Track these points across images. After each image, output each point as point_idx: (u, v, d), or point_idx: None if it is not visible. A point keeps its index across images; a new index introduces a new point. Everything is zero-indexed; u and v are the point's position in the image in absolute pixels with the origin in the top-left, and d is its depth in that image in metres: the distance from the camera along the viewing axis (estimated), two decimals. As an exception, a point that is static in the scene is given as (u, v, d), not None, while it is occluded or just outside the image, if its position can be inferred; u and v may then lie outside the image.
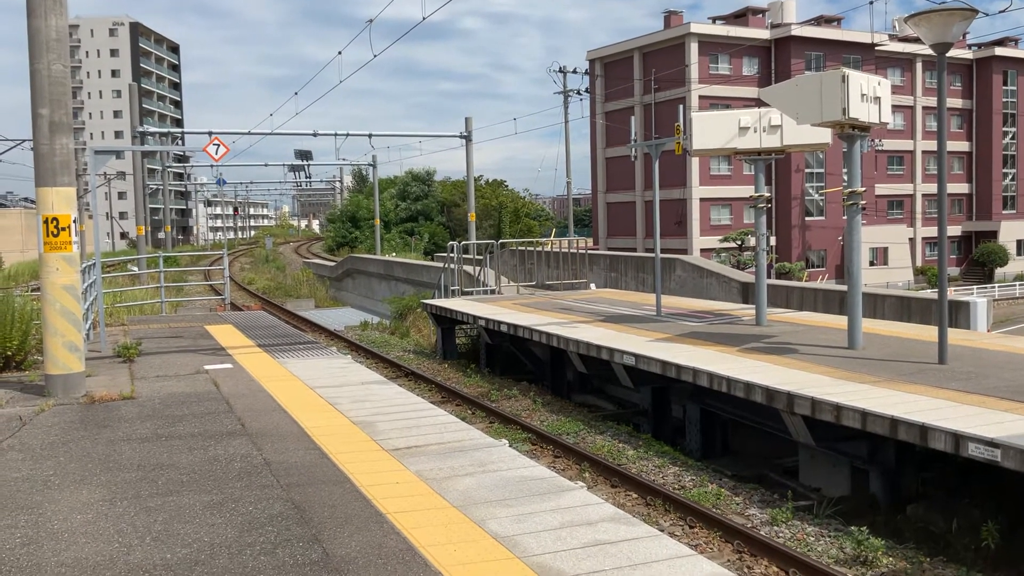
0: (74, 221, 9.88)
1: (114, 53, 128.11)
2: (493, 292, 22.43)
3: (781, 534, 8.29)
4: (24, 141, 36.05)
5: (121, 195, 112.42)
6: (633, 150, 17.69)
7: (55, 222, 9.71)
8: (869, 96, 11.28)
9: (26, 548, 5.19)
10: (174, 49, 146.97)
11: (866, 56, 60.36)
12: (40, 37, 9.71)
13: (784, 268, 53.13)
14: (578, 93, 45.76)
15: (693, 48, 56.52)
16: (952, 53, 55.20)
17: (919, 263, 65.78)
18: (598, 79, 62.63)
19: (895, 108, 58.95)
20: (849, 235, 11.96)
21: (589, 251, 26.26)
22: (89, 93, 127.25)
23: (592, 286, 23.46)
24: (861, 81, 11.10)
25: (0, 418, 8.78)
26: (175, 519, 5.63)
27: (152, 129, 36.45)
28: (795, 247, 58.56)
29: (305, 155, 55.48)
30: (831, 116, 10.96)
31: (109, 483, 6.46)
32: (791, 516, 8.65)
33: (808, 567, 7.29)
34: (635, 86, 60.27)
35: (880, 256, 62.33)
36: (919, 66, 65.81)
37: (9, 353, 11.82)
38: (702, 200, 57.23)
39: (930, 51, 11.33)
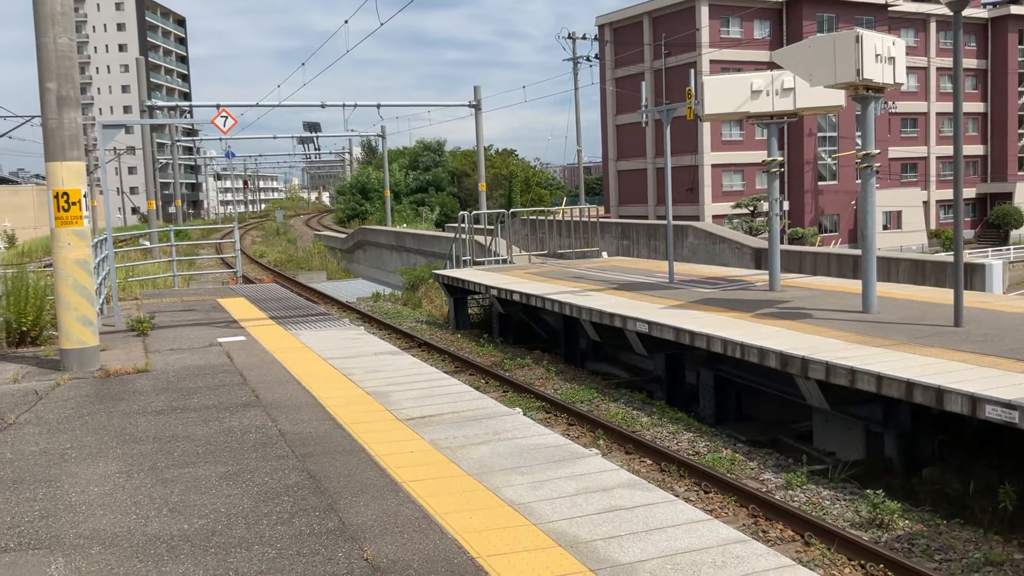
0: (84, 195, 9.88)
1: (121, 27, 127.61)
2: (505, 262, 22.39)
3: (796, 498, 8.28)
4: (33, 118, 36.00)
5: (131, 170, 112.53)
6: (644, 116, 17.51)
7: (65, 197, 9.71)
8: (883, 56, 11.11)
9: (44, 520, 5.24)
10: (180, 22, 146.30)
11: (879, 17, 59.49)
12: (46, 10, 9.64)
13: (797, 233, 52.81)
14: (587, 60, 45.35)
15: (704, 12, 55.81)
16: (966, 12, 54.23)
17: (933, 226, 65.27)
18: (607, 45, 62.01)
19: (908, 69, 58.12)
20: (863, 198, 11.84)
21: (600, 219, 26.16)
22: (97, 68, 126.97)
23: (604, 254, 23.38)
24: (875, 41, 10.93)
25: (16, 393, 8.84)
26: (191, 490, 5.66)
27: (160, 103, 36.34)
28: (808, 212, 58.16)
29: (314, 127, 55.32)
30: (845, 77, 10.81)
31: (125, 455, 6.50)
32: (806, 480, 8.64)
33: (824, 530, 7.29)
34: (645, 51, 59.66)
35: (894, 220, 61.87)
36: (933, 26, 64.85)
37: (24, 328, 11.88)
38: (714, 166, 56.82)
39: (945, 11, 11.14)
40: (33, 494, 5.73)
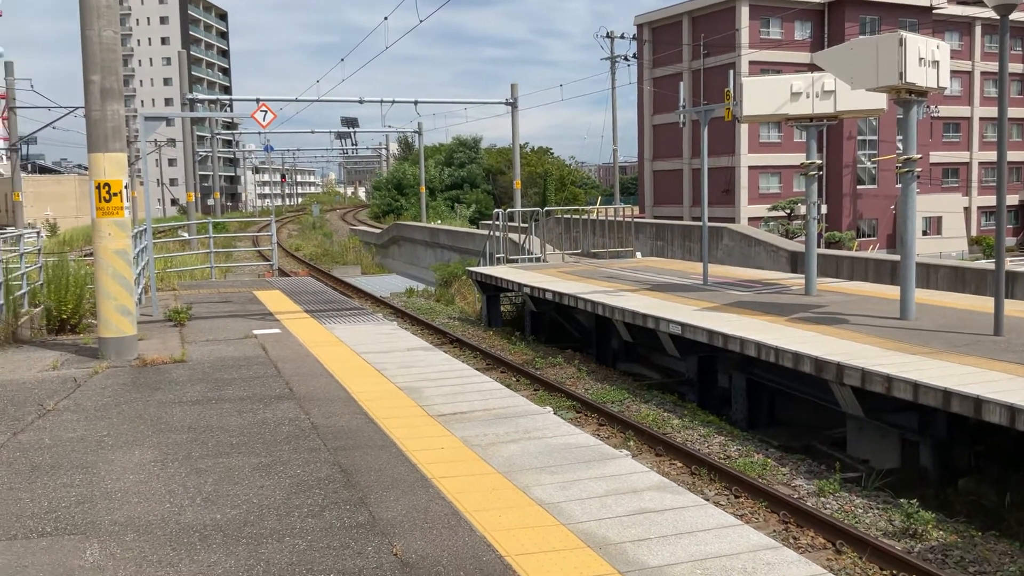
0: (125, 186, 10.03)
1: (164, 21, 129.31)
2: (538, 260, 22.38)
3: (828, 505, 8.20)
4: (77, 109, 36.64)
5: (171, 162, 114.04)
6: (681, 116, 17.41)
7: (107, 187, 9.86)
8: (927, 60, 10.95)
9: (81, 506, 5.33)
10: (222, 16, 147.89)
11: (923, 20, 58.59)
12: (91, 3, 9.79)
13: (834, 237, 52.19)
14: (625, 59, 45.18)
15: (744, 12, 55.33)
16: (1013, 16, 53.24)
17: (974, 233, 64.18)
18: (646, 45, 61.71)
19: (952, 73, 57.32)
20: (903, 203, 11.67)
21: (635, 219, 26.04)
22: (140, 61, 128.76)
23: (638, 254, 23.29)
24: (919, 44, 10.77)
25: (55, 379, 9.00)
26: (225, 480, 5.73)
27: (201, 96, 36.77)
28: (846, 216, 57.47)
29: (351, 122, 55.63)
30: (887, 80, 10.66)
31: (161, 444, 6.60)
32: (839, 487, 8.54)
33: (856, 539, 7.21)
34: (684, 51, 59.29)
35: (933, 225, 60.94)
36: (978, 30, 63.76)
37: (64, 316, 12.10)
38: (751, 168, 56.34)
39: (991, 14, 10.94)
40: (70, 480, 5.83)
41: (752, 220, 51.62)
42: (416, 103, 35.56)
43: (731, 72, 17.67)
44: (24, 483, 5.77)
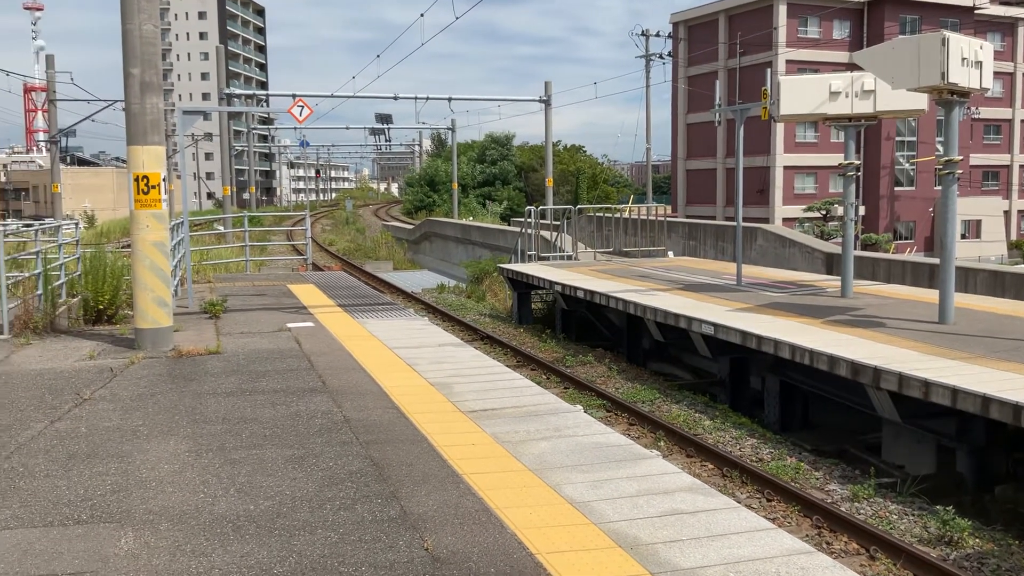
0: (163, 179, 10.14)
1: (202, 16, 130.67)
2: (570, 258, 22.32)
3: (862, 511, 8.09)
4: (115, 102, 37.11)
5: (208, 156, 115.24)
6: (717, 115, 17.28)
7: (145, 180, 9.98)
8: (970, 60, 10.75)
9: (116, 495, 5.39)
10: (260, 12, 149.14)
11: (965, 20, 57.63)
12: (132, -2, 9.90)
13: (871, 239, 51.52)
14: (660, 57, 44.93)
15: (782, 10, 54.77)
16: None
17: (1014, 236, 63.09)
18: (681, 43, 61.31)
19: (994, 75, 56.34)
20: (944, 205, 11.49)
21: (667, 219, 25.89)
22: (178, 55, 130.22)
23: (670, 254, 23.15)
24: (962, 44, 10.58)
25: (92, 369, 9.12)
26: (258, 472, 5.77)
27: (238, 91, 37.11)
28: (883, 218, 56.72)
29: (385, 119, 55.84)
30: (929, 81, 10.49)
31: (195, 435, 6.66)
32: (873, 493, 8.43)
33: (890, 545, 7.11)
34: (720, 50, 58.83)
35: (972, 229, 59.97)
36: (1021, 31, 62.61)
37: (101, 307, 12.25)
38: (786, 168, 55.78)
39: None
40: (106, 468, 5.90)
41: (786, 221, 51.14)
42: (450, 100, 35.61)
43: (768, 71, 17.51)
44: (61, 471, 5.85)
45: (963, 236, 57.50)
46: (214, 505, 5.18)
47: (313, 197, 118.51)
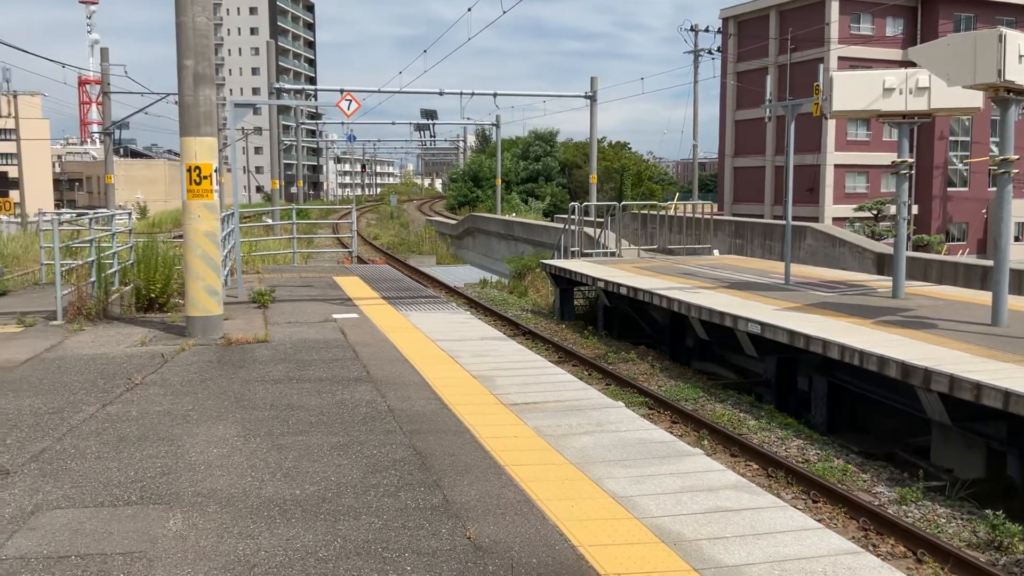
0: (215, 170, 10.29)
1: (253, 11, 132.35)
2: (613, 255, 22.23)
3: (910, 514, 7.95)
4: (168, 95, 37.75)
5: (257, 150, 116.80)
6: (767, 111, 17.08)
7: (198, 170, 10.14)
8: (1029, 57, 10.48)
9: (165, 477, 5.49)
10: (309, 8, 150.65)
11: (1020, 18, 56.21)
12: (187, -9, 10.06)
13: (922, 240, 50.54)
14: (709, 53, 44.52)
15: (834, 7, 53.91)
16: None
17: (1071, 240, 61.42)
18: (731, 38, 60.68)
19: (1054, 73, 54.65)
20: (998, 207, 11.22)
21: (713, 216, 25.65)
22: (229, 51, 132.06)
23: (715, 252, 22.94)
24: (1019, 41, 10.32)
25: (144, 355, 9.30)
26: (304, 457, 5.84)
27: (287, 86, 37.51)
28: (935, 219, 55.61)
29: (430, 114, 56.14)
30: (985, 78, 10.25)
31: (243, 420, 6.76)
32: (921, 496, 8.28)
33: (938, 549, 6.98)
34: (770, 46, 58.10)
35: (1027, 231, 58.52)
36: (1084, 27, 60.94)
37: (152, 295, 12.50)
38: (836, 166, 54.93)
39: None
40: (156, 451, 6.01)
41: (836, 220, 50.35)
42: (495, 95, 35.60)
43: (820, 67, 17.25)
44: (112, 453, 5.97)
45: (1016, 238, 56.13)
46: (261, 489, 5.26)
47: (358, 192, 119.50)
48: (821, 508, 8.08)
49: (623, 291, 16.11)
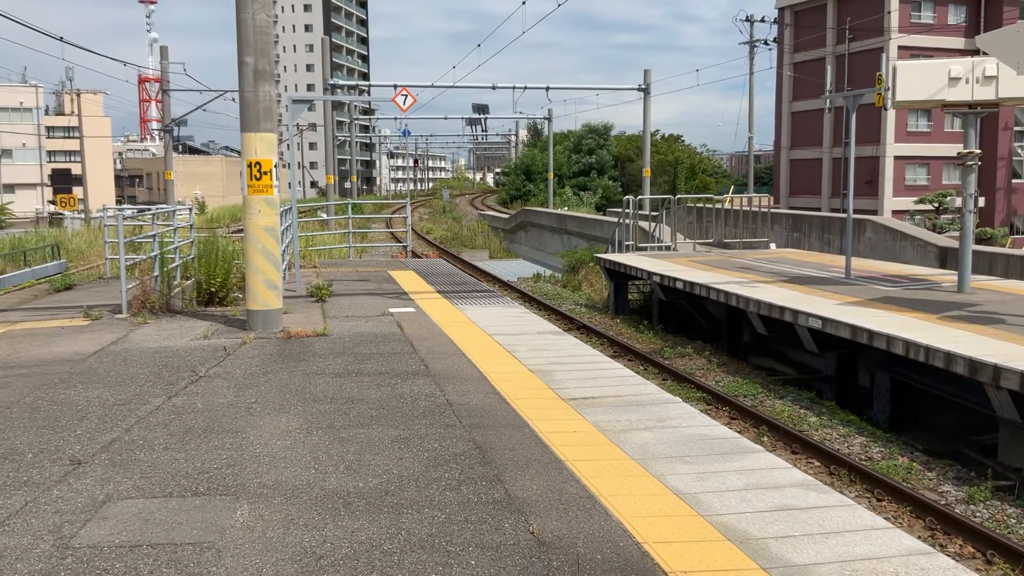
0: (275, 166, 10.42)
1: (307, 8, 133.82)
2: (668, 249, 22.04)
3: (978, 513, 7.76)
4: (227, 92, 38.37)
5: (312, 146, 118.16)
6: (827, 102, 16.73)
7: (258, 166, 10.27)
8: (1106, 43, 10.11)
9: (231, 468, 5.57)
10: (363, 4, 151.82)
11: (1094, 2, 54.33)
12: (247, -11, 10.18)
13: (986, 233, 49.15)
14: (765, 43, 43.86)
15: (894, -5, 52.72)
16: None
17: None
18: (787, 28, 59.69)
19: None
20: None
21: (770, 210, 25.26)
22: (284, 47, 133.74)
23: (772, 246, 22.60)
24: (1097, 26, 9.97)
25: (207, 348, 9.46)
26: (366, 450, 5.88)
27: (341, 82, 37.85)
28: (999, 211, 54.09)
29: (482, 108, 56.23)
30: (1059, 65, 9.92)
31: (305, 413, 6.84)
32: (990, 496, 8.07)
33: (1008, 549, 6.80)
34: (827, 35, 57.01)
35: (1097, 224, 56.62)
36: None
37: (213, 289, 12.71)
38: (896, 158, 53.74)
39: None
40: (221, 443, 6.11)
41: (896, 213, 49.29)
42: (547, 89, 35.52)
43: (883, 56, 16.84)
44: (178, 444, 6.08)
45: (1087, 231, 54.34)
46: (325, 481, 5.31)
47: (411, 186, 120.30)
48: (886, 507, 7.92)
49: (679, 285, 15.96)
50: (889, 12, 52.49)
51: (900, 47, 52.25)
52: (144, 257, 13.92)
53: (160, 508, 4.92)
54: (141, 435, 6.30)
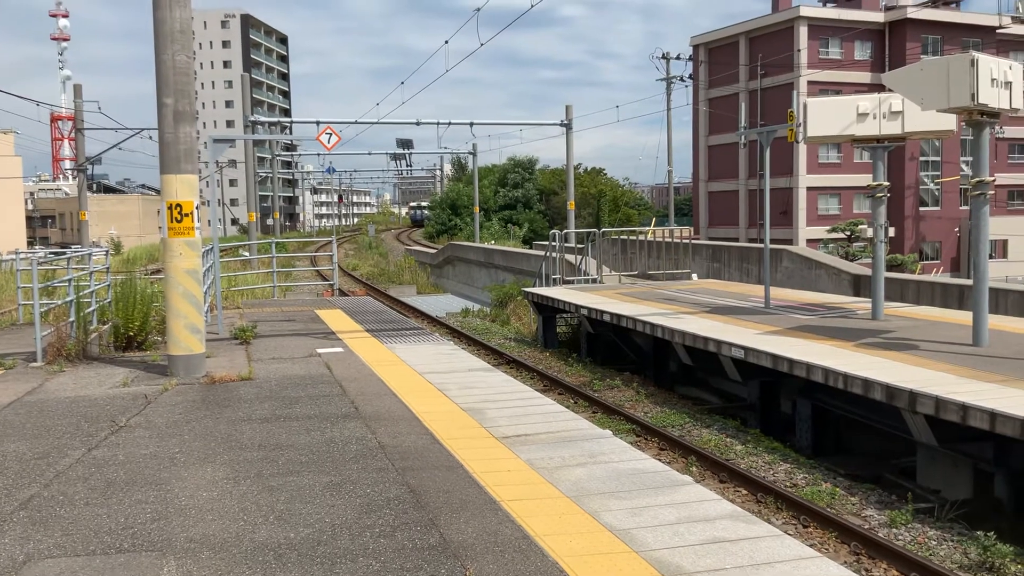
0: (196, 208, 10.24)
1: (226, 44, 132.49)
2: (594, 281, 22.31)
3: (901, 537, 7.98)
4: (142, 130, 37.65)
5: (232, 182, 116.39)
6: (742, 137, 17.25)
7: (179, 208, 10.09)
8: (1000, 81, 10.70)
9: (156, 523, 5.41)
10: (283, 40, 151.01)
11: (987, 40, 57.40)
12: (165, 28, 10.10)
13: (897, 260, 51.07)
14: (681, 79, 45.09)
15: (803, 32, 54.82)
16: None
17: (1041, 256, 62.35)
18: (702, 65, 61.46)
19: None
20: (975, 227, 11.39)
21: (691, 241, 25.84)
22: (202, 83, 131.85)
23: (694, 276, 23.08)
24: (991, 65, 10.54)
25: (127, 396, 9.19)
26: (296, 499, 5.77)
27: (262, 119, 37.52)
28: (908, 239, 56.32)
29: (406, 144, 56.30)
30: (959, 102, 10.44)
31: (232, 462, 6.68)
32: (911, 518, 8.31)
33: (931, 571, 7.00)
34: (740, 72, 58.88)
35: (999, 249, 59.36)
36: (1046, 48, 62.21)
37: (131, 333, 12.37)
38: (809, 189, 55.60)
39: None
40: (145, 496, 5.93)
41: (810, 242, 50.88)
42: (472, 124, 35.88)
43: (793, 92, 17.49)
44: (100, 499, 5.88)
45: (990, 256, 56.94)
46: (254, 533, 5.19)
47: (336, 222, 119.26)
48: (812, 533, 8.09)
49: (606, 318, 16.15)
50: (798, 50, 54.55)
51: (810, 82, 54.29)
52: (59, 302, 13.48)
53: (84, 567, 4.75)
54: (61, 490, 6.08)
